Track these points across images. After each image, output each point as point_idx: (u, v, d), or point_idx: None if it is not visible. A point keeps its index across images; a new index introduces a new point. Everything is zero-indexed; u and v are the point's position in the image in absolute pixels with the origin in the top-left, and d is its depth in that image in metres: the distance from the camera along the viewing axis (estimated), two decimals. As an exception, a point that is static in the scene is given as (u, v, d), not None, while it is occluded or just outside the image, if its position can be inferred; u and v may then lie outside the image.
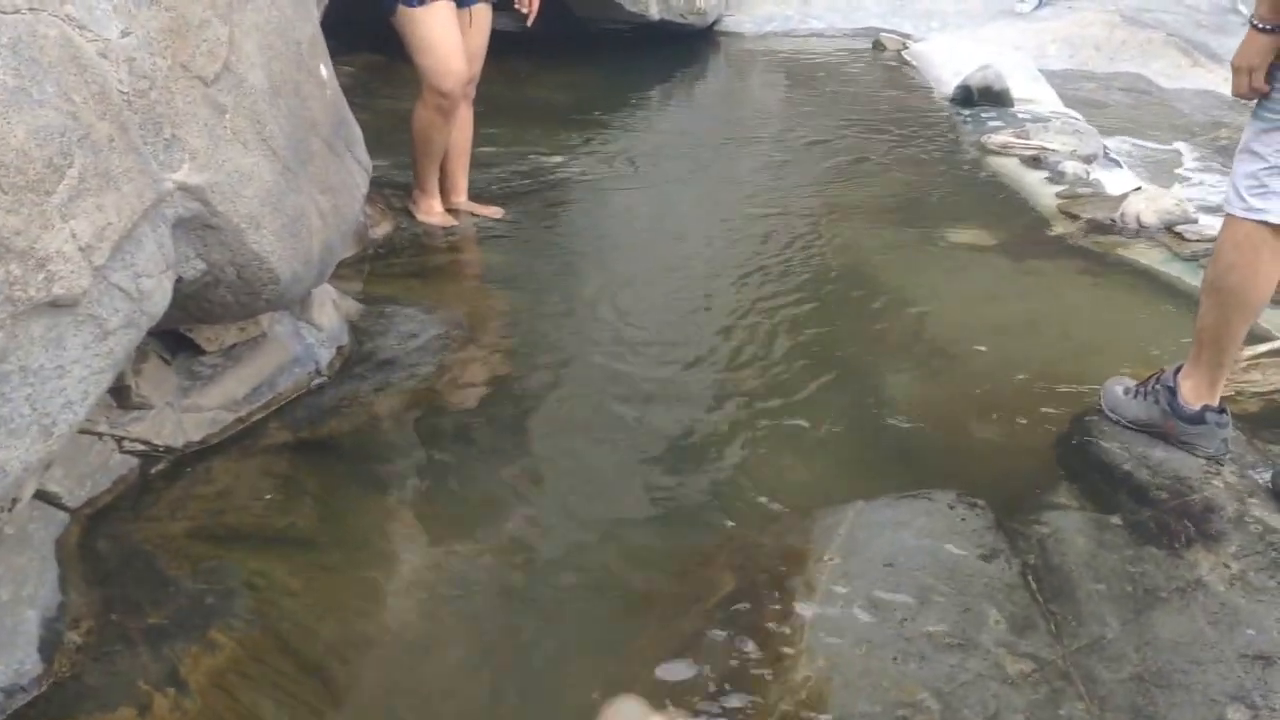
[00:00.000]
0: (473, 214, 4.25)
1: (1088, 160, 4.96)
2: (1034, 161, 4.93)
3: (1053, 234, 4.23)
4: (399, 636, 2.14)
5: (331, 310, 3.10)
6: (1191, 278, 3.71)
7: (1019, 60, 6.78)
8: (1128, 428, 2.74)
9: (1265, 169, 2.40)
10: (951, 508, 2.48)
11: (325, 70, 2.79)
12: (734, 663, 2.05)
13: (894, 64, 7.19)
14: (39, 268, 1.63)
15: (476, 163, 4.37)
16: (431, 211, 4.15)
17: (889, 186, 4.82)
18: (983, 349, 3.28)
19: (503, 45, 4.38)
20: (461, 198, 4.28)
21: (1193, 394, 2.62)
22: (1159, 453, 2.65)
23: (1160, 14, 8.01)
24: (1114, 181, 4.71)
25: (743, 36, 7.98)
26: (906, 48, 7.41)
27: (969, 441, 2.78)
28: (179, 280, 2.16)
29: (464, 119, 4.15)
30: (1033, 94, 6.15)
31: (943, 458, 2.72)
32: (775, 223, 4.38)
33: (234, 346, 2.75)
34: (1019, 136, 5.26)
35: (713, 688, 1.99)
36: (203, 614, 2.12)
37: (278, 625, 2.12)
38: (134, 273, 1.88)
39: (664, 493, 2.61)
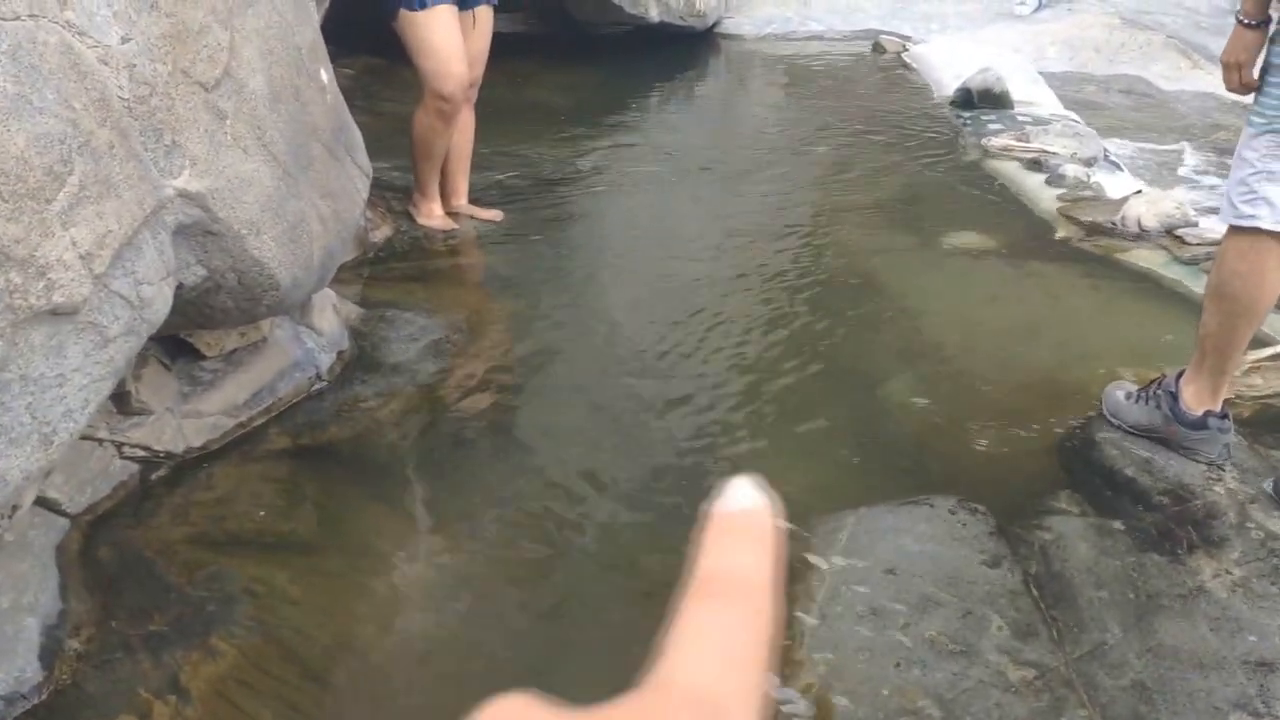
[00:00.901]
0: (473, 217, 4.24)
1: (1088, 163, 4.95)
2: (1034, 164, 4.92)
3: (1053, 237, 4.23)
4: (400, 642, 2.14)
5: (332, 315, 3.09)
6: (1192, 281, 3.71)
7: (1019, 63, 6.78)
8: (1129, 433, 2.73)
9: (1253, 174, 2.41)
10: (952, 513, 2.48)
11: (325, 75, 2.79)
12: (735, 670, 2.04)
13: (893, 66, 7.18)
14: (39, 276, 1.62)
15: (476, 166, 4.36)
16: (432, 215, 4.14)
17: (888, 189, 4.81)
18: (983, 353, 3.28)
19: (503, 48, 4.38)
20: (462, 201, 4.27)
21: (1195, 399, 2.62)
22: (1160, 458, 2.65)
23: (1160, 16, 8.01)
24: (1114, 184, 4.70)
25: (742, 39, 7.98)
26: (906, 50, 7.40)
27: (970, 446, 2.78)
28: (180, 287, 2.16)
29: (465, 122, 4.14)
30: (1032, 96, 6.14)
31: (943, 463, 2.72)
32: (775, 226, 4.37)
33: (234, 351, 2.75)
34: (1019, 139, 5.26)
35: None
36: (203, 621, 2.12)
37: (279, 632, 2.12)
38: (134, 280, 1.87)
39: (663, 499, 2.60)
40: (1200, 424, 2.60)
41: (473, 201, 4.32)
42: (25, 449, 1.65)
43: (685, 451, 2.78)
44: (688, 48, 7.58)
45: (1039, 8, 8.32)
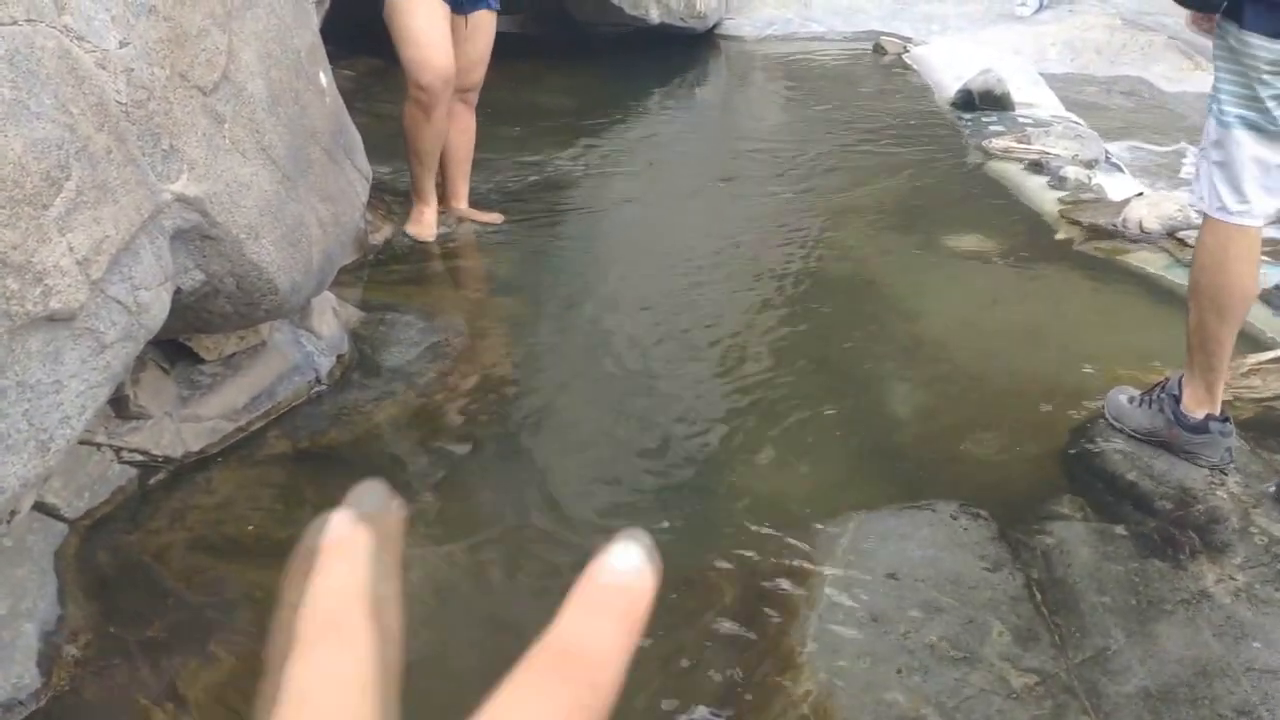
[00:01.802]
0: (473, 220, 4.23)
1: (1089, 165, 4.94)
2: (1035, 166, 4.91)
3: (1054, 239, 4.22)
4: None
5: (331, 318, 3.08)
6: (1194, 284, 3.70)
7: (1020, 64, 6.77)
8: (1132, 437, 2.73)
9: (1201, 160, 2.53)
10: (954, 518, 2.47)
11: (325, 78, 2.78)
12: (736, 675, 2.04)
13: (894, 67, 7.17)
14: (36, 282, 1.61)
15: (476, 167, 4.35)
16: (419, 221, 4.08)
17: (889, 191, 4.80)
18: (984, 356, 3.27)
19: (503, 49, 4.36)
20: (462, 204, 4.26)
21: (1193, 402, 2.61)
22: (1163, 463, 2.64)
23: (1161, 17, 7.98)
24: (1116, 186, 4.68)
25: (743, 40, 7.96)
26: (907, 51, 7.39)
27: (971, 451, 2.76)
28: (178, 291, 2.15)
29: (465, 125, 4.13)
30: (1034, 98, 6.13)
31: (945, 467, 2.71)
32: (775, 228, 4.36)
33: (233, 355, 2.74)
34: (1020, 141, 5.25)
35: (715, 700, 1.98)
36: (202, 626, 2.11)
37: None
38: (132, 285, 1.86)
39: (664, 503, 2.59)
40: (1201, 428, 2.60)
41: (473, 204, 4.30)
42: (22, 455, 1.64)
43: (685, 456, 2.77)
44: (688, 49, 7.57)
45: (1040, 9, 8.30)
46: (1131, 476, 2.60)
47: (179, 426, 2.55)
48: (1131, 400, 2.77)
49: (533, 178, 4.83)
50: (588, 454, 2.80)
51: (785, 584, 2.27)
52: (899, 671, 2.04)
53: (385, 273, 3.78)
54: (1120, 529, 2.43)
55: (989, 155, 5.16)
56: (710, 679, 2.03)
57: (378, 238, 3.98)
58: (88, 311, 1.74)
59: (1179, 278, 3.78)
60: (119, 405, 2.46)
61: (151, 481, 2.47)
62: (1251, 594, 2.22)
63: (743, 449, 2.81)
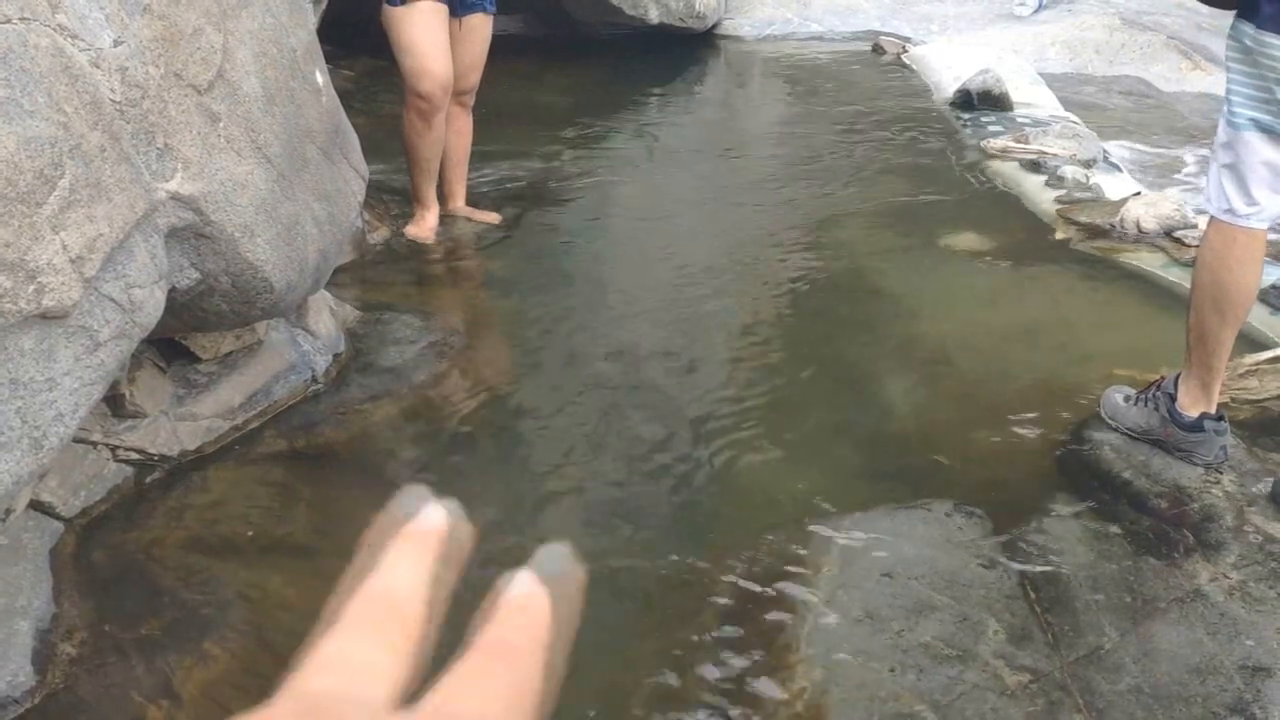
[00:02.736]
0: (470, 220, 4.23)
1: (1087, 164, 4.94)
2: (1033, 166, 4.91)
3: (1052, 239, 4.22)
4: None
5: (328, 317, 3.09)
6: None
7: (1018, 64, 6.77)
8: (1127, 435, 2.73)
9: (1211, 162, 2.53)
10: (949, 517, 2.47)
11: (321, 77, 2.78)
12: (731, 674, 2.04)
13: (893, 67, 7.17)
14: (29, 280, 1.62)
15: (474, 167, 4.35)
16: (420, 223, 4.08)
17: (887, 191, 4.80)
18: (981, 356, 3.27)
19: (502, 49, 4.37)
20: (459, 203, 4.26)
21: (1189, 400, 2.61)
22: (1158, 461, 2.64)
23: (1160, 17, 8.00)
24: (1114, 186, 4.68)
25: (742, 40, 7.96)
26: (906, 51, 7.39)
27: (967, 450, 2.77)
28: (173, 289, 2.15)
29: (462, 126, 4.13)
30: (1032, 98, 6.13)
31: (941, 466, 2.71)
32: (774, 227, 4.37)
33: (230, 354, 2.74)
34: (1018, 140, 5.25)
35: (710, 699, 1.98)
36: (197, 625, 2.11)
37: (272, 636, 2.11)
38: (126, 284, 1.87)
39: (661, 502, 2.59)
40: (1196, 426, 2.60)
41: (470, 204, 4.31)
42: (15, 454, 1.64)
43: (681, 455, 2.77)
44: (687, 49, 7.57)
45: (1039, 9, 8.30)
46: (1127, 475, 2.61)
47: (175, 425, 2.56)
48: (1127, 399, 2.77)
49: (531, 178, 4.83)
50: (583, 453, 2.80)
51: (780, 583, 2.27)
52: (893, 670, 2.04)
53: (383, 272, 3.78)
54: (1115, 527, 2.43)
55: (987, 155, 5.16)
56: (705, 678, 2.03)
57: (375, 237, 3.98)
58: (81, 309, 1.74)
59: (1176, 277, 3.78)
60: (115, 404, 2.46)
61: (147, 480, 2.47)
62: (1245, 592, 2.22)
63: (738, 447, 2.81)
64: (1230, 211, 2.44)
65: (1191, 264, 3.77)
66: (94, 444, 2.41)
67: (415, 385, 3.01)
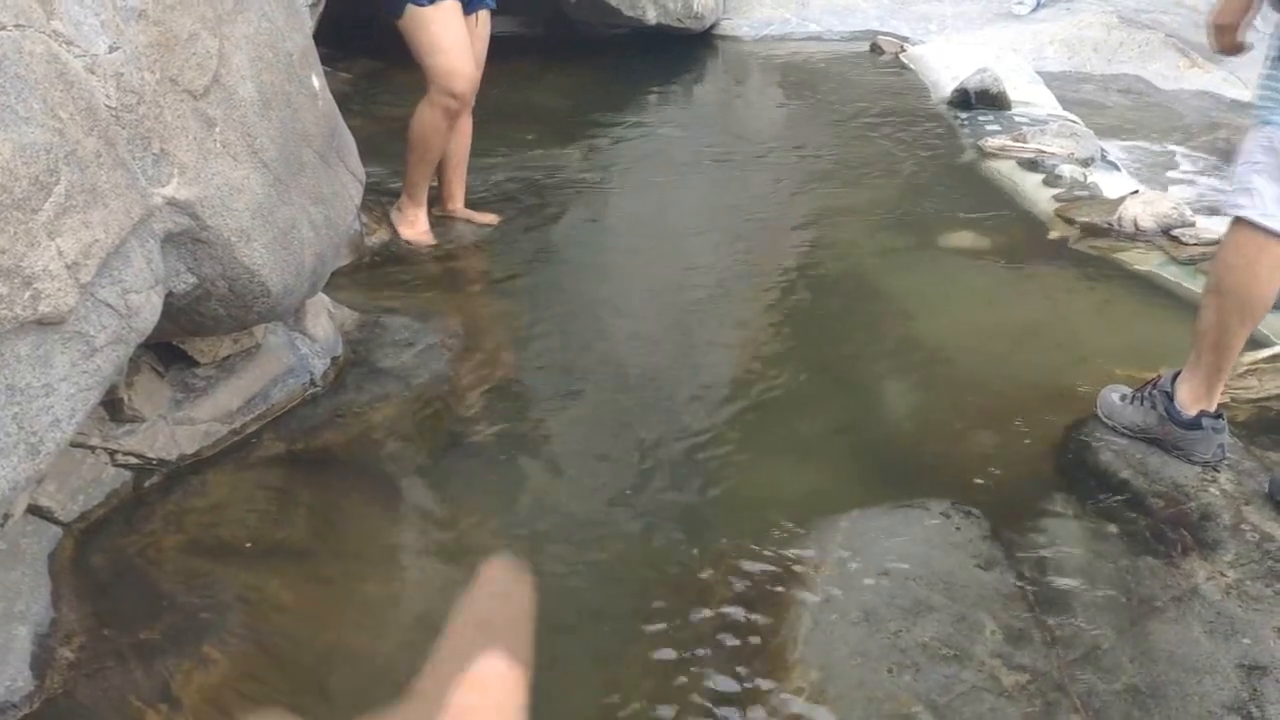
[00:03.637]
0: (469, 221, 4.23)
1: (1085, 163, 4.94)
2: (1031, 164, 4.91)
3: (1050, 238, 4.22)
4: (394, 649, 2.13)
5: (326, 320, 3.09)
6: (1189, 282, 3.70)
7: (1017, 63, 6.77)
8: (1124, 434, 2.73)
9: (1244, 164, 2.48)
10: (946, 517, 2.47)
11: (317, 81, 2.78)
12: (728, 674, 2.04)
13: (891, 67, 7.17)
14: (25, 286, 1.62)
15: (473, 169, 4.35)
16: (415, 226, 4.05)
17: (885, 190, 4.81)
18: (979, 355, 3.27)
19: (500, 49, 4.37)
20: (458, 205, 4.26)
21: (1190, 399, 2.61)
22: (1155, 460, 2.64)
23: (1158, 15, 7.99)
24: (1112, 184, 4.69)
25: (740, 40, 7.96)
26: (904, 50, 7.38)
27: (965, 449, 2.77)
28: (170, 294, 2.16)
29: (464, 127, 4.11)
30: (1030, 96, 6.13)
31: (938, 466, 2.71)
32: (773, 227, 4.37)
33: (228, 358, 2.75)
34: (1016, 139, 5.25)
35: (707, 699, 1.99)
36: (196, 629, 2.11)
37: (272, 640, 2.11)
38: (122, 289, 1.87)
39: (659, 503, 2.60)
40: (1194, 424, 2.60)
41: (469, 205, 4.31)
42: (12, 459, 1.64)
43: (681, 454, 2.77)
44: (685, 50, 7.57)
45: (1037, 7, 8.30)
46: (1124, 474, 2.61)
47: (173, 429, 2.56)
48: (1124, 398, 2.77)
49: (529, 178, 4.83)
50: (582, 454, 2.80)
51: (778, 583, 2.28)
52: (890, 670, 2.05)
53: (381, 275, 3.78)
54: (1112, 527, 2.44)
55: (985, 154, 5.16)
56: (703, 678, 2.04)
57: (374, 240, 3.98)
58: (77, 315, 1.74)
59: (1173, 275, 3.79)
60: (113, 408, 2.46)
61: (146, 484, 2.48)
62: (1242, 591, 2.22)
63: (736, 448, 2.81)
64: (1266, 214, 2.41)
65: (1189, 263, 3.80)
66: (92, 448, 2.42)
67: (414, 387, 3.01)
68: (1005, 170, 4.94)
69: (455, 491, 2.63)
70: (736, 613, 2.20)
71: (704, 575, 2.31)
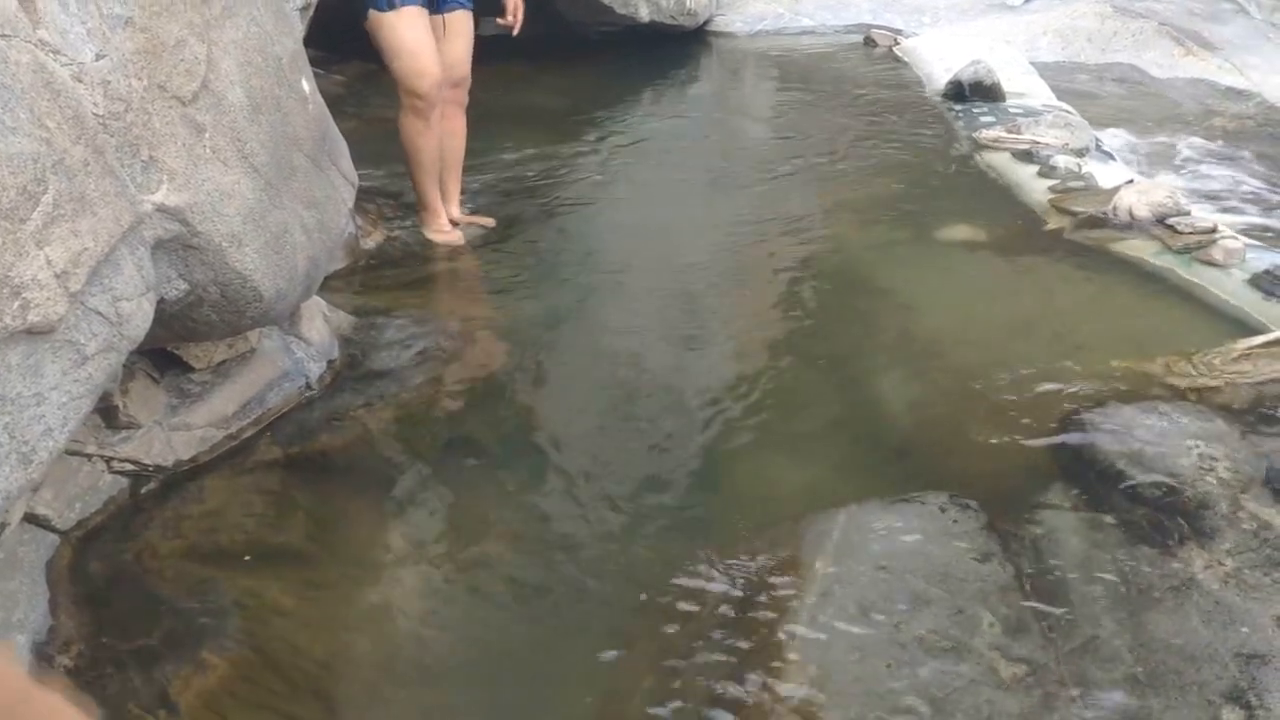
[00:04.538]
0: (465, 223, 4.23)
1: (1080, 153, 4.93)
2: (1026, 156, 4.90)
3: (1045, 229, 4.21)
4: (393, 653, 2.13)
5: (321, 324, 3.09)
6: (1185, 270, 3.70)
7: (1010, 54, 6.75)
8: None
9: None
10: (944, 510, 2.47)
11: (307, 85, 2.78)
12: (726, 670, 2.04)
13: (885, 60, 7.16)
14: (14, 296, 1.62)
15: (468, 170, 4.35)
16: (439, 229, 4.09)
17: (880, 183, 4.80)
18: (975, 347, 3.27)
19: (493, 49, 4.37)
20: (453, 207, 4.26)
21: None
22: (1152, 450, 2.63)
23: (1152, 3, 7.97)
24: (1107, 174, 4.67)
25: (734, 36, 7.96)
26: (898, 44, 7.37)
27: (961, 442, 2.77)
28: (162, 301, 2.16)
29: (457, 128, 4.12)
30: (1025, 87, 6.11)
31: (935, 459, 2.71)
32: (768, 222, 4.37)
33: (223, 363, 2.74)
34: (1011, 131, 5.24)
35: (705, 695, 1.99)
36: (194, 635, 2.11)
37: (270, 645, 2.11)
38: (112, 297, 1.87)
39: (655, 500, 2.60)
40: None
41: (465, 205, 4.31)
42: (4, 469, 1.64)
43: (677, 451, 2.78)
44: (679, 47, 7.57)
45: (1030, -3, 8.29)
46: (1121, 465, 2.60)
47: (169, 435, 2.56)
48: None
49: (525, 180, 4.83)
50: (579, 455, 2.80)
51: (775, 577, 2.28)
52: (889, 665, 2.05)
53: (376, 278, 3.78)
54: (1109, 517, 2.43)
55: (979, 146, 5.15)
56: (701, 673, 2.04)
57: (369, 243, 3.99)
58: (67, 324, 1.74)
59: (1169, 264, 3.78)
60: (109, 415, 2.46)
61: (143, 491, 2.47)
62: (1240, 579, 2.22)
63: (733, 444, 2.81)
64: None
65: (1184, 251, 3.79)
66: (88, 456, 2.41)
67: (411, 390, 3.01)
68: (1000, 162, 4.93)
69: (453, 494, 2.63)
70: (734, 606, 2.20)
71: (701, 570, 2.31)
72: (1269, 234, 4.33)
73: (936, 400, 2.98)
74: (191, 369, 2.69)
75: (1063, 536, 2.38)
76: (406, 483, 2.67)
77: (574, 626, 2.21)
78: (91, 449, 2.42)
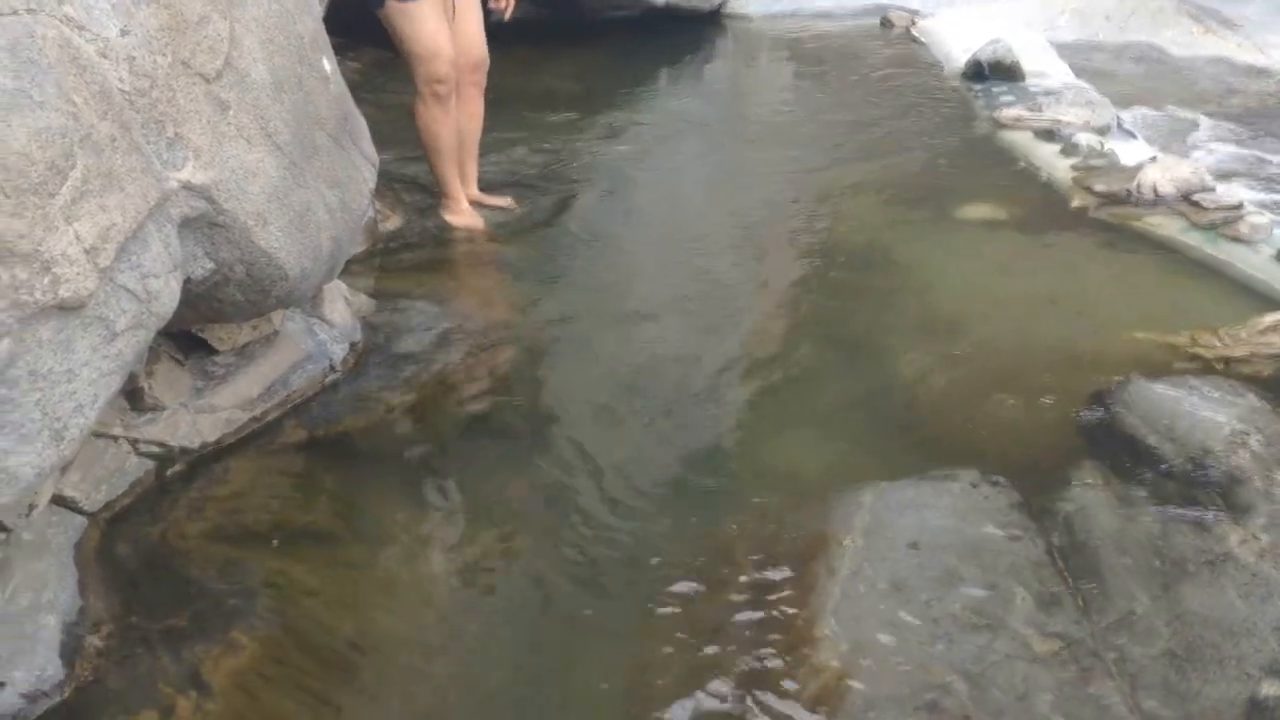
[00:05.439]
0: (483, 205, 4.22)
1: (1101, 131, 4.90)
2: (1047, 134, 4.87)
3: (1068, 207, 4.18)
4: (419, 632, 2.13)
5: (343, 306, 3.08)
6: (1210, 247, 3.67)
7: (1029, 33, 6.70)
8: None
9: None
10: (975, 487, 2.45)
11: (328, 64, 2.77)
12: (758, 648, 2.03)
13: (902, 41, 7.11)
14: (44, 271, 1.61)
15: (485, 153, 4.34)
16: (460, 213, 4.09)
17: (901, 164, 4.77)
18: (1000, 325, 3.24)
19: (509, 34, 4.34)
20: (471, 189, 4.24)
21: None
22: (1183, 424, 2.61)
23: (1170, -19, 7.89)
24: (1128, 152, 4.63)
25: (749, 19, 7.91)
26: (915, 24, 7.32)
27: (989, 419, 2.75)
28: (188, 280, 2.15)
29: (474, 110, 4.11)
30: (1044, 66, 6.07)
31: (964, 436, 2.69)
32: (788, 203, 4.34)
33: (247, 345, 2.74)
34: (1031, 110, 5.20)
35: (738, 674, 1.98)
36: (223, 615, 2.11)
37: (298, 624, 2.11)
38: (141, 273, 1.86)
39: (683, 480, 2.59)
40: None
41: (482, 189, 4.29)
42: (36, 445, 1.64)
43: (703, 431, 2.76)
44: (694, 30, 7.53)
45: (1048, -23, 8.20)
46: (1152, 440, 2.58)
47: (195, 418, 2.55)
48: None
49: (542, 162, 4.81)
50: (604, 435, 2.79)
51: (805, 556, 2.26)
52: (922, 641, 2.03)
53: (396, 261, 3.77)
54: (1142, 492, 2.41)
55: (1000, 125, 5.12)
56: (732, 652, 2.03)
57: (388, 226, 3.98)
58: (97, 300, 1.73)
59: (1194, 241, 3.75)
60: (134, 398, 2.46)
61: (169, 473, 2.47)
62: (1276, 553, 2.20)
63: (760, 423, 2.80)
64: None
65: (1210, 228, 3.75)
66: (115, 438, 2.41)
67: (432, 372, 3.00)
68: (1021, 141, 4.90)
69: (476, 474, 2.62)
70: (764, 586, 2.18)
71: (730, 550, 2.30)
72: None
73: (963, 377, 2.96)
74: (215, 351, 2.69)
75: (1094, 511, 2.36)
76: (429, 463, 2.67)
77: (602, 603, 2.20)
78: (118, 431, 2.42)
